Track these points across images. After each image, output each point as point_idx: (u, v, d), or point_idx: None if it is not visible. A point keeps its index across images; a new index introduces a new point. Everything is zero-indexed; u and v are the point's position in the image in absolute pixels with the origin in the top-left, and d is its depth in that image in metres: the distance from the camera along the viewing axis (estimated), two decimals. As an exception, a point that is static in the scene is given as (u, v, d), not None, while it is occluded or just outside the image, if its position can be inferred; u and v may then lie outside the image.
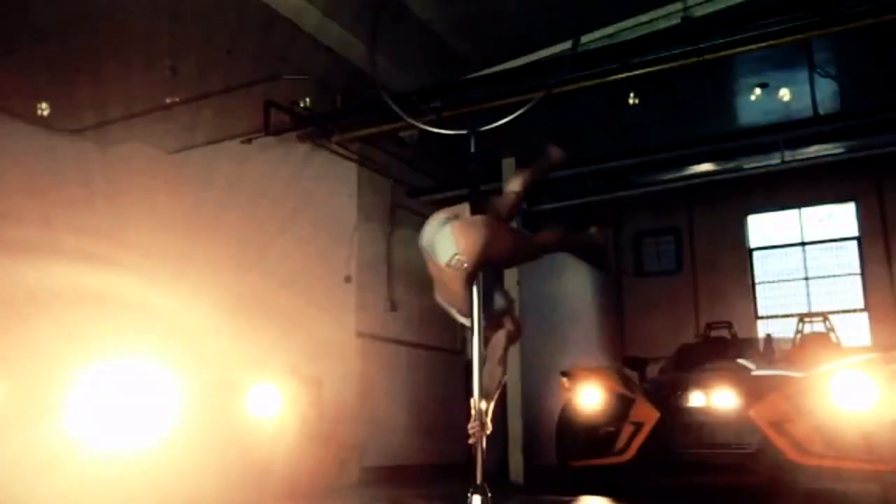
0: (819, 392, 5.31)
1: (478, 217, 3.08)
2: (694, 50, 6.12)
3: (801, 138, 7.68)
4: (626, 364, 8.10)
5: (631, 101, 7.38)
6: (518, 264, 3.37)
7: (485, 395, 3.01)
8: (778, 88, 8.06)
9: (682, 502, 6.14)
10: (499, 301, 3.16)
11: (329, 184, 8.34)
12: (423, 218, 3.16)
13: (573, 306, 10.50)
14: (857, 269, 10.86)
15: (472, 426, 2.94)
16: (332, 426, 7.09)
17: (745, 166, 7.95)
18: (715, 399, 5.82)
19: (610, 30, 6.69)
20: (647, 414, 5.96)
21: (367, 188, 8.41)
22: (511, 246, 3.19)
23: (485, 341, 3.06)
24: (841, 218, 11.18)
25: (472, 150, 3.14)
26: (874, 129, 7.42)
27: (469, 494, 2.83)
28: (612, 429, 6.04)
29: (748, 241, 11.70)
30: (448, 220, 3.07)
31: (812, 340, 7.65)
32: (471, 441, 2.94)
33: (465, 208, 3.10)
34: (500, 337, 3.15)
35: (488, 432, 2.96)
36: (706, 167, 8.18)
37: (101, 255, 6.74)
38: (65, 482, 4.26)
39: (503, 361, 3.14)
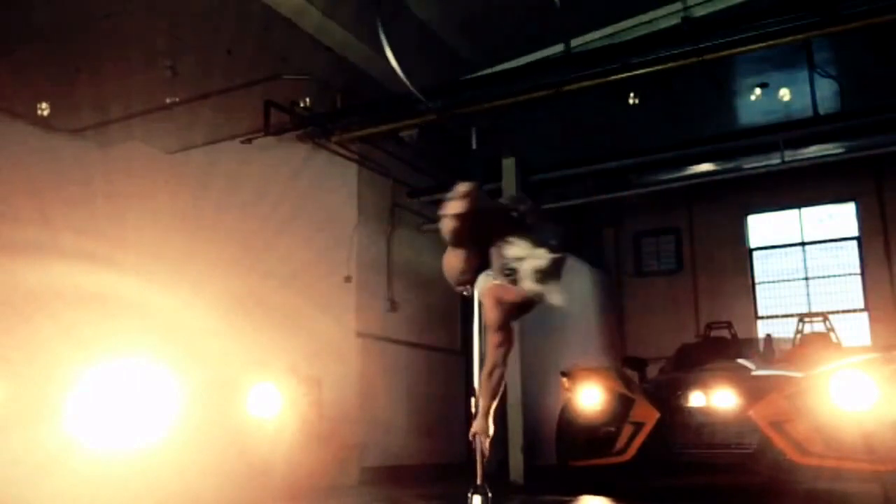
0: (819, 392, 5.31)
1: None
2: (694, 50, 6.12)
3: (801, 138, 7.68)
4: (626, 364, 8.10)
5: (631, 101, 7.38)
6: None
7: (488, 395, 3.02)
8: (778, 88, 8.06)
9: (682, 502, 6.14)
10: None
11: (329, 184, 8.34)
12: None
13: (573, 306, 10.49)
14: (857, 269, 10.85)
15: (477, 425, 2.95)
16: (332, 426, 7.10)
17: (745, 166, 7.95)
18: (715, 399, 5.81)
19: (610, 30, 6.70)
20: (647, 414, 5.96)
21: (367, 188, 8.41)
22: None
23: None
24: (841, 218, 11.17)
25: (474, 146, 3.15)
26: (874, 129, 7.42)
27: (469, 494, 2.84)
28: (612, 429, 6.03)
29: (748, 240, 11.69)
30: None
31: (812, 340, 7.64)
32: (476, 440, 2.94)
33: None
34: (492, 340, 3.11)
35: (491, 433, 2.96)
36: (706, 167, 8.17)
37: (101, 255, 6.74)
38: (65, 482, 4.25)
39: (504, 357, 3.11)
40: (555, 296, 2.79)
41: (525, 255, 2.80)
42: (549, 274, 2.77)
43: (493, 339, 3.05)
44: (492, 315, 3.03)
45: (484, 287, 3.05)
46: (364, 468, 7.55)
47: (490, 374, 3.06)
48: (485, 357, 3.07)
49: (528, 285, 2.78)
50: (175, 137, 8.72)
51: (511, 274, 2.83)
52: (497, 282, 2.97)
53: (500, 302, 2.98)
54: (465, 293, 3.21)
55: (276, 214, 8.24)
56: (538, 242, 2.84)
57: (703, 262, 11.68)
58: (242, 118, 7.93)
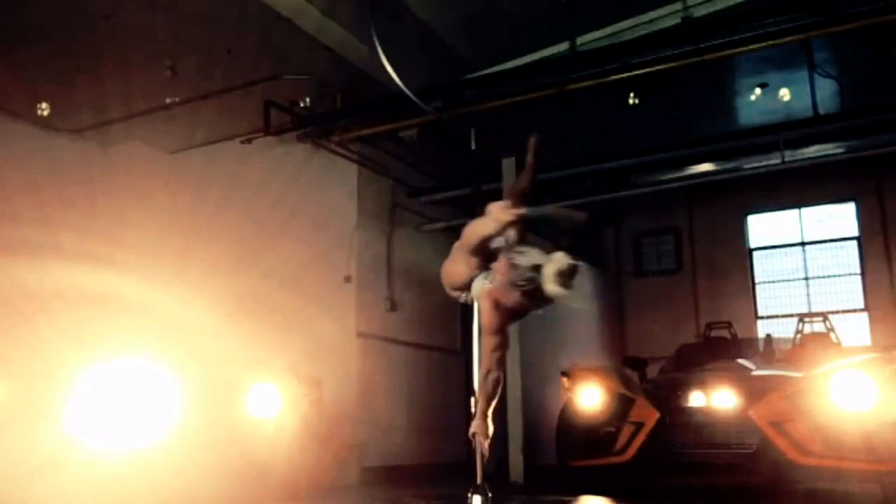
0: (819, 392, 5.31)
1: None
2: (694, 50, 6.12)
3: (801, 138, 7.68)
4: (626, 364, 8.10)
5: (631, 101, 7.39)
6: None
7: (484, 398, 3.02)
8: (778, 88, 8.07)
9: (682, 502, 6.14)
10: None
11: (329, 184, 8.34)
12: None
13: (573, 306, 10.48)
14: (857, 269, 10.86)
15: (475, 425, 2.95)
16: (332, 426, 7.09)
17: (745, 166, 7.95)
18: (715, 399, 5.81)
19: (610, 30, 6.70)
20: (647, 414, 5.96)
21: (367, 188, 8.41)
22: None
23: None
24: (841, 218, 11.18)
25: (473, 146, 3.14)
26: (874, 129, 7.42)
27: (469, 494, 2.84)
28: (612, 429, 6.03)
29: (748, 241, 11.71)
30: None
31: (812, 340, 7.64)
32: (476, 440, 2.94)
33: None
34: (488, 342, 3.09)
35: (490, 433, 2.96)
36: (706, 167, 8.17)
37: (101, 255, 6.74)
38: (65, 482, 4.25)
39: (500, 361, 3.09)
40: (577, 298, 2.80)
41: (542, 262, 2.75)
42: (569, 277, 2.75)
43: (489, 342, 3.03)
44: (488, 318, 2.99)
45: (482, 290, 3.01)
46: (364, 468, 7.55)
47: (486, 377, 3.04)
48: (482, 360, 3.07)
49: (552, 288, 2.73)
50: (175, 137, 8.72)
51: (526, 284, 2.77)
52: (494, 285, 2.93)
53: (497, 306, 2.94)
54: (461, 300, 3.19)
55: (276, 214, 8.24)
56: (552, 247, 2.82)
57: (703, 262, 11.69)
58: (242, 118, 7.93)
